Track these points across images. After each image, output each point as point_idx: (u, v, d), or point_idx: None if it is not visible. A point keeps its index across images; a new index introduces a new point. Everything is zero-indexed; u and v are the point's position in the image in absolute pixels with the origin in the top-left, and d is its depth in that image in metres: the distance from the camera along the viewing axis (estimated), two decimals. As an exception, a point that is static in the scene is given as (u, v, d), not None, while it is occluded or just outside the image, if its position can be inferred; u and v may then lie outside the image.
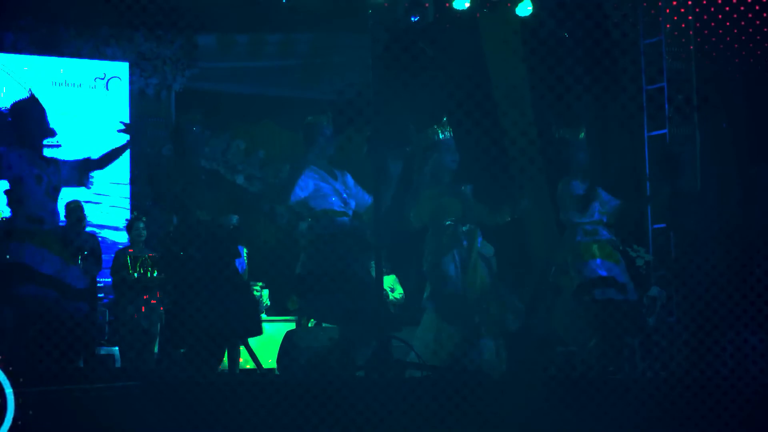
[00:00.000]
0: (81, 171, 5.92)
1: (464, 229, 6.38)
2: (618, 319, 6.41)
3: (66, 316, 5.44)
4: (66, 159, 5.96)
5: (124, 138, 6.11)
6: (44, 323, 5.33)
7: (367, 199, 6.19)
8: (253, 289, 10.04)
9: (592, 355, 6.36)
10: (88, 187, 6.05)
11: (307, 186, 6.01)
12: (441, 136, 6.46)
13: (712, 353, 5.60)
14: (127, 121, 11.12)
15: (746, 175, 7.16)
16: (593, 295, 6.52)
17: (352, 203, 6.20)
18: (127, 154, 11.09)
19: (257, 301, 6.46)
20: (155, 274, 8.60)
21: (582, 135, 6.71)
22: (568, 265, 6.70)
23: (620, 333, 6.45)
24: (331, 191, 6.09)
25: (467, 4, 9.22)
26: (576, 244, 6.65)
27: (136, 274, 8.68)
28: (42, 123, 5.81)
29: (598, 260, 6.57)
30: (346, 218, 6.11)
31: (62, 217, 5.90)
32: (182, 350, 6.60)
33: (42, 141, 5.83)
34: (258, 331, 6.29)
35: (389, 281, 9.87)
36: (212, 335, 5.74)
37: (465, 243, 6.37)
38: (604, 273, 6.54)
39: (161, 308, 8.62)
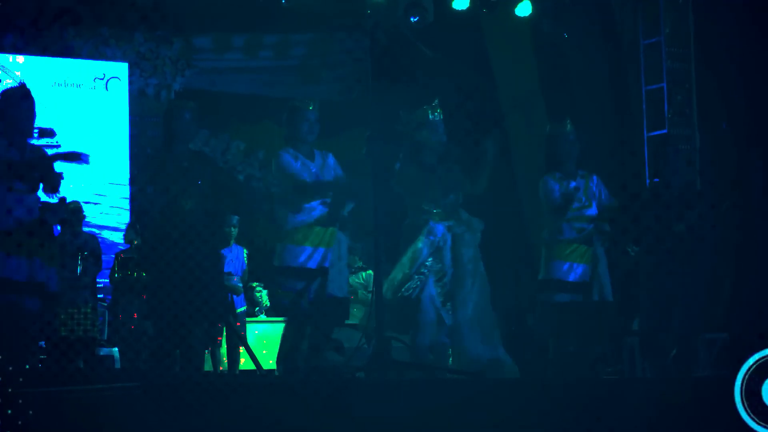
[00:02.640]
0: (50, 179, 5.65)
1: (432, 224, 6.15)
2: (579, 322, 6.33)
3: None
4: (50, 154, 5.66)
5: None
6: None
7: (345, 178, 6.15)
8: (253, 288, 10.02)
9: (570, 358, 6.28)
10: (50, 197, 5.71)
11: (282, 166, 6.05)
12: (430, 117, 6.38)
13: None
14: (126, 120, 11.21)
15: (745, 171, 7.15)
16: (553, 297, 6.46)
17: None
18: (126, 154, 11.21)
19: (227, 302, 6.22)
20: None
21: (569, 127, 6.65)
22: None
23: (582, 336, 6.35)
24: (300, 170, 6.03)
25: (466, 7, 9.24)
26: (549, 241, 6.58)
27: (134, 275, 8.69)
28: (27, 114, 5.57)
29: (565, 264, 6.47)
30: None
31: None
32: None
33: (26, 132, 5.60)
34: (212, 343, 6.10)
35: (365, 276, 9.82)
36: (183, 335, 5.61)
37: (433, 237, 6.15)
38: (569, 277, 6.45)
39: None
